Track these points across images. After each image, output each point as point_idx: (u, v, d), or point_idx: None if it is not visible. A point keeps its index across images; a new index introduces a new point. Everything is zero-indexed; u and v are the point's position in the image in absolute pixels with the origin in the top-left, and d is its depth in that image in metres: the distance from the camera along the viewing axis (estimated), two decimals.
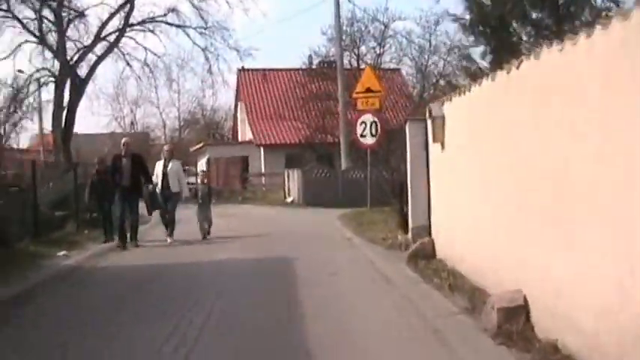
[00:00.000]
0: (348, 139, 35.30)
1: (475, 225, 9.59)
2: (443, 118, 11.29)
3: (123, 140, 17.45)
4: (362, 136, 23.23)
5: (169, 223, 17.90)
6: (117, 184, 16.62)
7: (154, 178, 17.62)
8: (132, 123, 67.96)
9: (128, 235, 16.84)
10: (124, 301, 10.29)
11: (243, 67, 51.39)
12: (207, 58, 40.82)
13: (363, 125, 23.06)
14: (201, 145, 49.49)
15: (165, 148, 19.20)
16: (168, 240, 17.59)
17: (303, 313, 8.98)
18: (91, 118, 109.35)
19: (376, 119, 23.08)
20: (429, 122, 12.35)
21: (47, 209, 19.79)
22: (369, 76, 24.24)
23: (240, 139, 52.65)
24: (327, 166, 35.68)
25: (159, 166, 18.04)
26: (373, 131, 22.92)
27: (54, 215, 19.61)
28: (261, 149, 46.01)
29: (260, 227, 21.91)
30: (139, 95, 63.63)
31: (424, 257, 12.12)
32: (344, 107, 35.61)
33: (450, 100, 10.94)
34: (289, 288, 10.81)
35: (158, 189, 17.58)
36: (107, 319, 9.01)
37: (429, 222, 13.73)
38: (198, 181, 20.40)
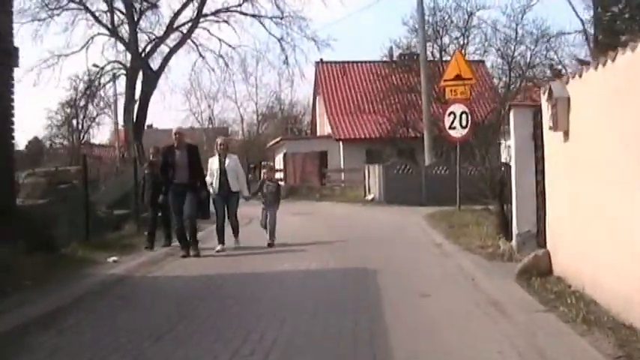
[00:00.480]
0: (432, 133, 33.06)
1: (622, 239, 7.09)
2: (567, 100, 8.80)
3: (174, 129, 14.98)
4: (451, 128, 20.76)
5: (233, 228, 15.50)
6: (169, 181, 14.19)
7: (207, 178, 15.08)
8: (209, 118, 66.49)
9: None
10: (169, 324, 8.15)
11: (321, 59, 49.43)
12: (283, 49, 38.89)
13: (452, 116, 20.61)
14: (278, 139, 47.54)
15: (219, 141, 16.08)
16: (227, 244, 15.29)
17: (391, 356, 6.65)
18: (169, 113, 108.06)
19: (466, 109, 20.58)
20: (546, 107, 9.87)
21: (106, 208, 17.94)
22: (459, 61, 21.67)
23: (318, 133, 50.51)
24: (409, 161, 33.19)
25: (213, 163, 15.37)
26: (463, 122, 20.42)
27: (112, 215, 17.72)
28: (340, 144, 43.81)
29: (337, 228, 19.70)
30: (216, 90, 62.25)
31: (538, 274, 9.66)
32: (427, 100, 33.32)
33: (580, 76, 8.42)
34: (370, 314, 8.46)
35: (214, 190, 15.15)
36: (141, 351, 6.91)
37: (540, 228, 11.29)
38: (264, 177, 17.23)
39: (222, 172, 15.08)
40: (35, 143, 62.42)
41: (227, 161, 15.25)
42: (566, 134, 8.93)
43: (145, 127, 38.05)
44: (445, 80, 21.30)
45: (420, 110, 41.18)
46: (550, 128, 9.61)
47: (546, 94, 9.40)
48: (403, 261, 12.77)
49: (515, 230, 12.23)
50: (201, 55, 38.61)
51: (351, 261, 13.06)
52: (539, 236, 11.73)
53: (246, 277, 11.90)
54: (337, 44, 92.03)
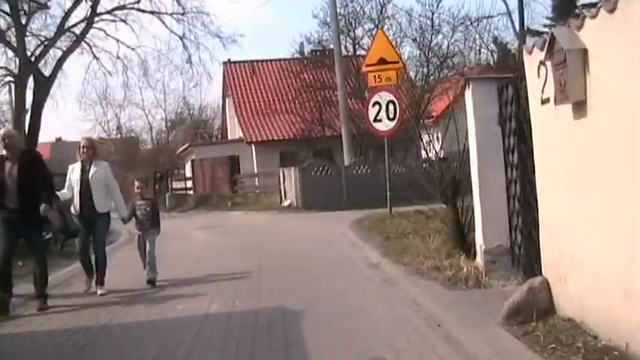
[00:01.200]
0: (349, 130, 30.02)
1: None
2: (583, 53, 5.56)
3: (1, 133, 9.99)
4: (376, 120, 17.53)
5: (97, 267, 10.84)
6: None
7: (63, 191, 10.76)
8: (118, 127, 61.92)
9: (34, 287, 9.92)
10: None
11: (229, 59, 45.82)
12: (185, 47, 35.01)
13: (377, 107, 17.42)
14: (186, 146, 43.72)
15: (82, 142, 11.28)
16: (98, 292, 10.62)
17: None
18: (75, 124, 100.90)
19: (394, 98, 17.40)
20: (533, 73, 6.65)
21: None
22: (381, 42, 18.32)
23: (229, 137, 46.89)
24: (327, 162, 29.98)
25: (73, 173, 10.94)
26: (391, 114, 17.22)
27: None
28: (253, 147, 40.29)
29: (248, 247, 16.13)
30: (122, 97, 57.98)
31: (536, 315, 6.46)
32: (343, 95, 30.25)
33: (611, 10, 5.17)
34: None
35: (74, 209, 10.77)
36: None
37: (517, 242, 8.22)
38: (135, 194, 12.12)
39: (85, 185, 10.69)
40: None
41: (92, 170, 10.81)
42: (580, 108, 5.70)
43: (39, 139, 33.32)
44: (367, 65, 18.02)
45: (336, 107, 38.25)
46: (544, 102, 6.42)
47: (544, 49, 6.14)
48: (334, 295, 9.33)
49: (480, 244, 9.06)
50: (95, 56, 34.39)
51: (265, 298, 9.61)
52: (515, 253, 8.59)
53: (118, 331, 8.32)
54: (246, 43, 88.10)
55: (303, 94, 38.57)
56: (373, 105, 17.43)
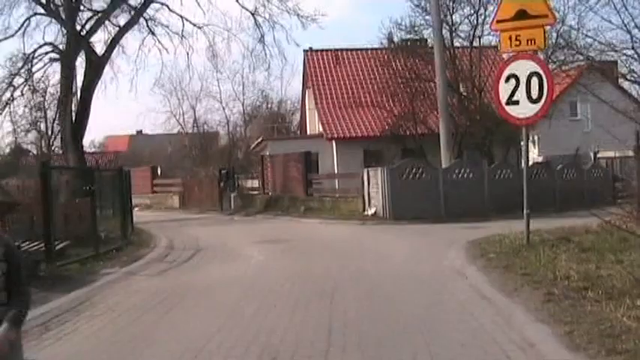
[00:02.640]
0: (449, 127, 24.10)
1: None
2: None
3: None
4: (511, 102, 11.50)
5: None
6: None
7: None
8: (194, 120, 56.86)
9: None
10: None
11: (310, 47, 40.32)
12: (257, 25, 29.61)
13: (513, 82, 11.38)
14: (259, 140, 38.30)
15: None
16: None
17: None
18: (149, 117, 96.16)
19: (540, 69, 11.34)
20: None
21: None
22: None
23: (309, 132, 41.29)
24: (421, 162, 24.02)
25: None
26: (534, 92, 11.20)
27: None
28: (333, 144, 34.62)
29: (318, 280, 10.50)
30: (198, 89, 53.17)
31: None
32: (443, 84, 24.46)
33: None
34: None
35: None
36: None
37: None
38: None
39: None
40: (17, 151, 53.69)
41: None
42: None
43: (85, 131, 28.14)
44: (499, 21, 11.92)
45: (430, 101, 32.23)
46: None
47: None
48: None
49: None
50: (152, 31, 29.13)
51: None
52: None
53: None
54: (330, 31, 79.72)
55: (392, 85, 32.70)
56: (507, 79, 11.45)
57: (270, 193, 28.86)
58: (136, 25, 29.07)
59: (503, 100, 11.54)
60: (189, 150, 53.91)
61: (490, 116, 31.02)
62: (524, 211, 11.88)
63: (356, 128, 34.98)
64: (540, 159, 35.55)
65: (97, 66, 27.83)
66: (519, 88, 11.28)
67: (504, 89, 11.51)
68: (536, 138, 35.77)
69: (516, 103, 11.38)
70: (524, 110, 11.33)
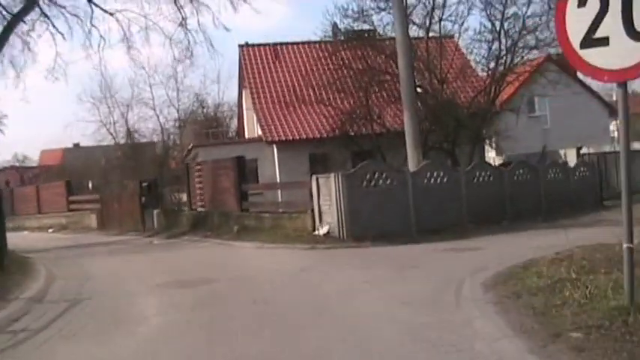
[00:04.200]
0: (415, 119, 18.87)
1: None
2: None
3: None
4: (590, 42, 5.94)
5: None
6: None
7: None
8: (128, 130, 50.28)
9: None
10: None
11: (246, 42, 34.68)
12: (178, 7, 23.80)
13: (596, 5, 5.82)
14: (189, 147, 32.38)
15: None
16: None
17: None
18: (78, 126, 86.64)
19: None
20: None
21: None
22: None
23: (247, 137, 35.55)
24: (384, 165, 18.49)
25: None
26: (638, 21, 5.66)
27: None
28: (274, 148, 29.03)
29: None
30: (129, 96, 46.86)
31: None
32: (408, 72, 19.18)
33: None
34: None
35: None
36: None
37: None
38: None
39: None
40: None
41: None
42: None
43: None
44: None
45: (387, 95, 26.88)
46: None
47: None
48: None
49: None
50: (46, 15, 22.95)
51: None
52: None
53: None
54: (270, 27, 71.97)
55: (339, 78, 27.23)
56: (580, 3, 5.94)
57: (198, 209, 22.90)
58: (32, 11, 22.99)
59: (576, 40, 6.02)
60: (122, 161, 47.57)
61: (453, 111, 25.95)
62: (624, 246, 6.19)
63: (299, 129, 29.44)
64: (500, 160, 30.51)
65: None
66: (609, 15, 5.78)
67: (577, 19, 5.98)
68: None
69: (604, 41, 5.86)
70: (620, 53, 5.80)
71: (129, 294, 10.92)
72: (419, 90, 24.77)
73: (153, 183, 25.53)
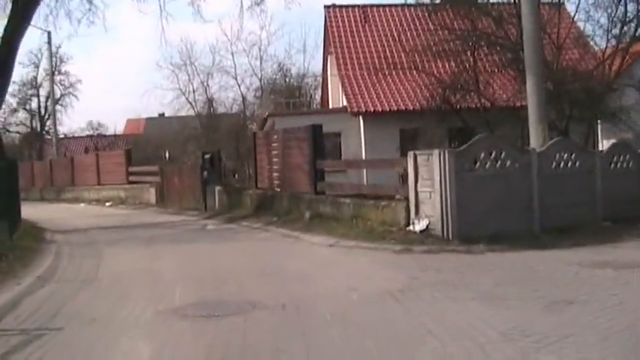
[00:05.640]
0: (541, 89, 14.09)
1: None
2: None
3: None
4: None
5: None
6: None
7: None
8: (209, 99, 46.63)
9: None
10: None
11: (333, 4, 30.21)
12: None
13: None
14: (265, 116, 28.20)
15: None
16: None
17: None
18: (155, 94, 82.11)
19: None
20: None
21: None
22: None
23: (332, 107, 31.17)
24: (504, 141, 13.58)
25: None
26: None
27: None
28: (360, 120, 24.69)
29: None
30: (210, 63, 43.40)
31: None
32: (535, 25, 14.52)
33: None
34: None
35: None
36: None
37: None
38: None
39: None
40: None
41: None
42: None
43: None
44: None
45: (493, 63, 22.09)
46: None
47: None
48: None
49: None
50: None
51: None
52: None
53: None
54: None
55: (439, 41, 22.44)
56: None
57: (265, 188, 18.56)
58: None
59: None
60: (199, 131, 44.14)
61: (569, 81, 20.88)
62: None
63: (390, 100, 24.99)
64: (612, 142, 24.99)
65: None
66: None
67: None
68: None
69: None
70: None
71: (119, 329, 6.73)
72: None
73: (217, 155, 21.33)
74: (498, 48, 21.35)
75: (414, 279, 8.64)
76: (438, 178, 11.70)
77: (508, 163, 12.45)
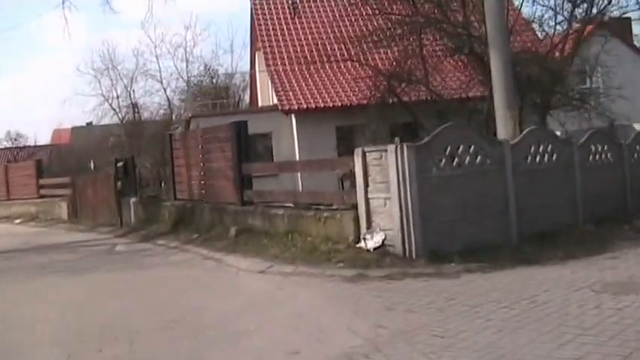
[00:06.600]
0: (509, 70, 11.51)
1: None
2: None
3: None
4: None
5: None
6: None
7: None
8: (131, 104, 43.13)
9: None
10: None
11: None
12: None
13: None
14: (188, 117, 25.16)
15: None
16: None
17: None
18: (76, 100, 76.64)
19: None
20: None
21: None
22: None
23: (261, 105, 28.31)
24: (472, 132, 10.96)
25: None
26: None
27: None
28: (292, 119, 21.93)
29: None
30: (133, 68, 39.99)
31: None
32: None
33: None
34: None
35: None
36: None
37: None
38: None
39: None
40: None
41: None
42: None
43: None
44: None
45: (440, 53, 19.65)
46: None
47: None
48: None
49: None
50: None
51: None
52: None
53: None
54: None
55: (377, 28, 19.84)
56: None
57: (185, 199, 15.50)
58: None
59: None
60: (123, 139, 40.93)
61: (524, 64, 18.56)
62: None
63: (324, 95, 22.36)
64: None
65: None
66: None
67: None
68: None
69: None
70: None
71: None
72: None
73: (130, 162, 18.15)
74: (443, 33, 18.85)
75: (380, 328, 5.90)
76: (395, 180, 9.01)
77: (479, 158, 9.89)
